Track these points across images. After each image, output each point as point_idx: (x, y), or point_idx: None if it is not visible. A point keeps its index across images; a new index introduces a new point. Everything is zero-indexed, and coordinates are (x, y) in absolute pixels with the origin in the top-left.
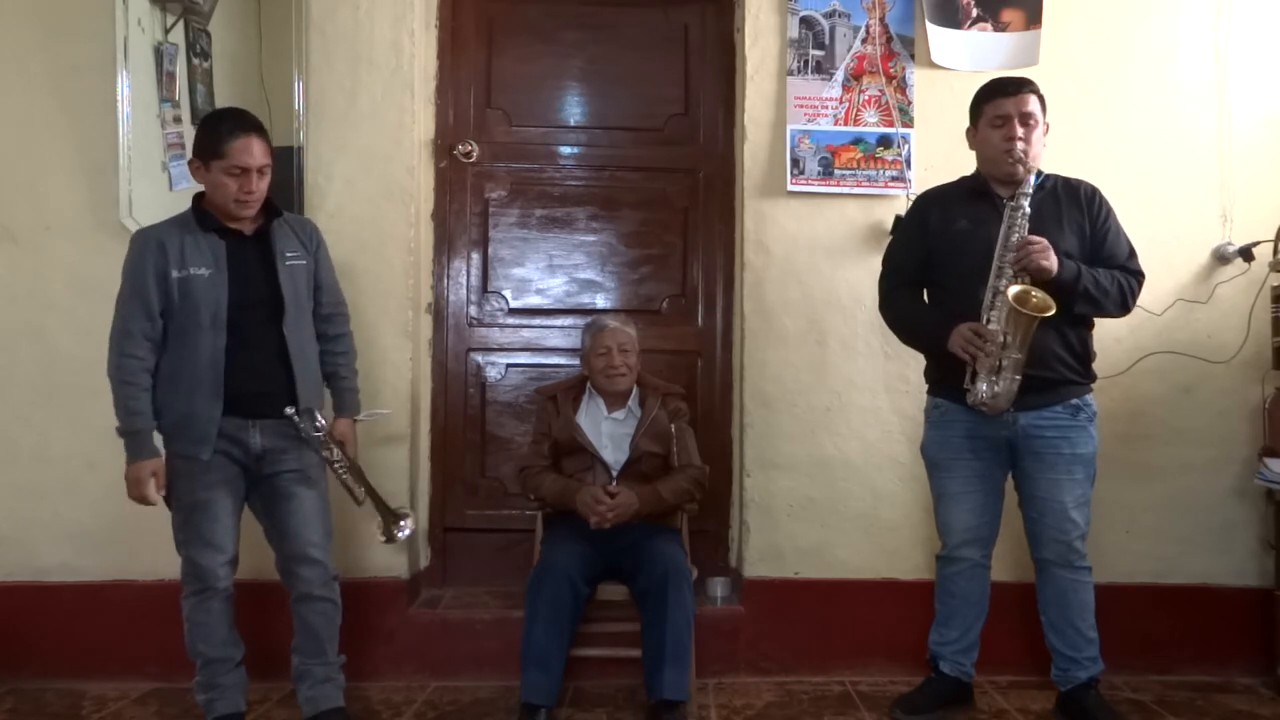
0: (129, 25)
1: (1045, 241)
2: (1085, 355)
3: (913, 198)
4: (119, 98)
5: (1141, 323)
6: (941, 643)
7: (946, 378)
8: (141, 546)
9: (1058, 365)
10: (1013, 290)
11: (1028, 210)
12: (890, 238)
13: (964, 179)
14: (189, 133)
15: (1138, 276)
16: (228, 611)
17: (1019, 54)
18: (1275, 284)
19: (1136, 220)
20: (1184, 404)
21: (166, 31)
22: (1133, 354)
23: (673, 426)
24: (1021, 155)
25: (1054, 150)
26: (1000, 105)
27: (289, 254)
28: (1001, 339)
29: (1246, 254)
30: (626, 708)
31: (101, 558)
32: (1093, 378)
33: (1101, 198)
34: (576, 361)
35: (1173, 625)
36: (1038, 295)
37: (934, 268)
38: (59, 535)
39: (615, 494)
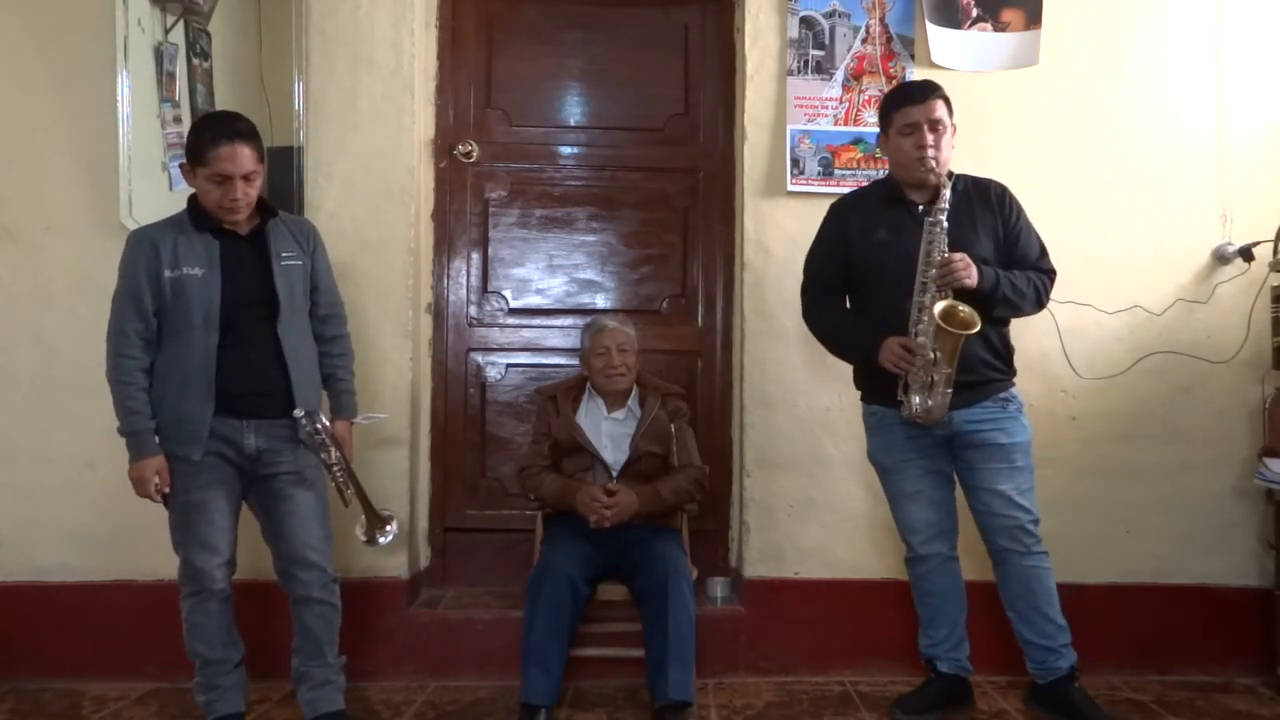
0: (129, 25)
1: (966, 258)
2: (1007, 354)
3: None
4: (119, 98)
5: (1141, 323)
6: (933, 644)
7: (878, 385)
8: (141, 546)
9: (982, 368)
10: (938, 307)
11: (945, 224)
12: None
13: (877, 184)
14: None
15: (1050, 275)
16: (225, 612)
17: (1019, 54)
18: (1275, 284)
19: (1136, 220)
20: (1184, 404)
21: (166, 31)
22: (1133, 354)
23: (672, 426)
24: (933, 163)
25: (1054, 150)
26: (908, 113)
27: (285, 254)
28: (931, 355)
29: (1246, 254)
30: (626, 708)
31: (101, 558)
32: (1014, 373)
33: (1011, 197)
34: (576, 361)
35: (1173, 625)
36: (964, 311)
37: (856, 278)
38: (59, 535)
39: (614, 494)
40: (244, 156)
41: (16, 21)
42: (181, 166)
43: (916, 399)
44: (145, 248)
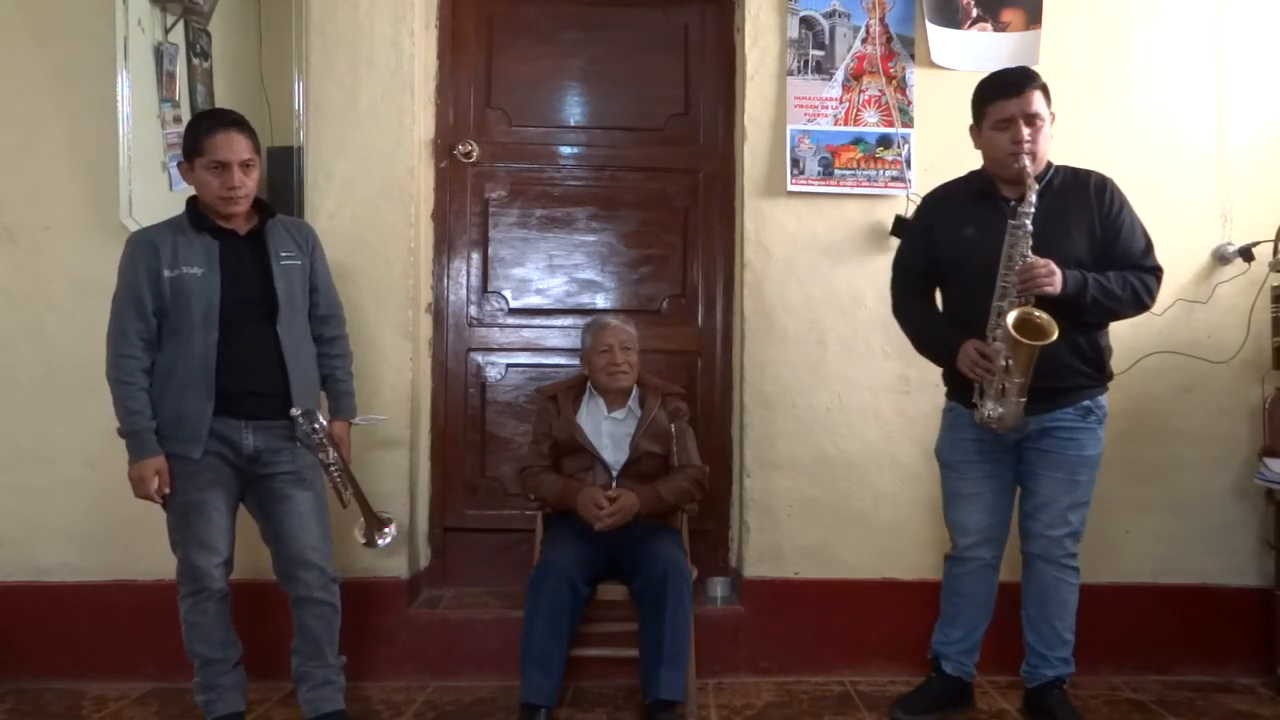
0: (129, 25)
1: (1050, 264)
2: (1098, 358)
3: (913, 198)
4: (119, 98)
5: (1141, 323)
6: (946, 642)
7: (957, 384)
8: (141, 546)
9: (1067, 374)
10: (1011, 317)
11: (1030, 227)
12: (898, 240)
13: (970, 177)
14: None
15: (1154, 272)
16: (224, 612)
17: (1019, 54)
18: (1275, 284)
19: None
20: (1184, 404)
21: (166, 31)
22: (1133, 354)
23: (673, 426)
24: (1029, 160)
25: (1055, 150)
26: (1004, 108)
27: (284, 254)
28: (1004, 363)
29: (1246, 254)
30: (626, 708)
31: (101, 558)
32: (1108, 377)
33: (1113, 190)
34: (576, 361)
35: (1173, 625)
36: (1040, 318)
37: (944, 274)
38: (59, 535)
39: (615, 498)
40: (239, 143)
41: (16, 21)
42: (180, 166)
43: (989, 405)
44: (144, 248)
